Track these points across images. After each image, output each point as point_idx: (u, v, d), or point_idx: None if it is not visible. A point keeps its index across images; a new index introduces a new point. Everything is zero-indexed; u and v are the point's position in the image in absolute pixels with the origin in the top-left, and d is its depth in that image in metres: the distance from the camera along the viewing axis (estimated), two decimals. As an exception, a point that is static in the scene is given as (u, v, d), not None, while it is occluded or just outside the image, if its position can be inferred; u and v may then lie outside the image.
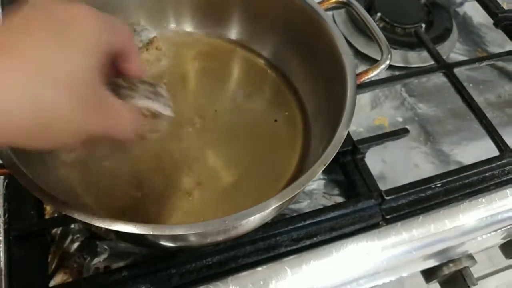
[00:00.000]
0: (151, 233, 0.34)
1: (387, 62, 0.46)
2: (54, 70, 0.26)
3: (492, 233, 0.56)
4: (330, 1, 0.51)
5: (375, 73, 0.46)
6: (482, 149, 0.61)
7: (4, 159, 0.36)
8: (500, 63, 0.73)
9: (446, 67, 0.64)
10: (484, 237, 0.56)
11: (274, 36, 0.56)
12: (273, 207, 0.35)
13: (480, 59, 0.67)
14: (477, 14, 0.81)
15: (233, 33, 0.59)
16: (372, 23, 0.48)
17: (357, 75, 0.45)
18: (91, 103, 0.28)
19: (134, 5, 0.55)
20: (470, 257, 0.57)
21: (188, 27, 0.59)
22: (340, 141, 0.39)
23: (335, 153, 0.38)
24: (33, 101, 0.25)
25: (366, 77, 0.45)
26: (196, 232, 0.36)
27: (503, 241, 0.63)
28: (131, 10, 0.55)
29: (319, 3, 0.50)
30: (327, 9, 0.51)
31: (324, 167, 0.38)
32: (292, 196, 0.36)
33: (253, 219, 0.37)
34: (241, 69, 0.58)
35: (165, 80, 0.46)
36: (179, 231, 0.34)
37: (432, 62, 0.67)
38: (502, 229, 0.57)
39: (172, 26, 0.58)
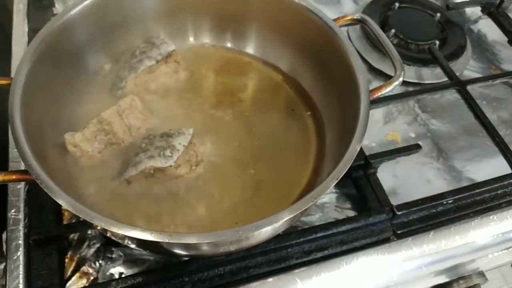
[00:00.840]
0: (167, 241, 0.35)
1: (401, 79, 0.47)
2: None
3: (504, 251, 0.56)
4: (345, 18, 0.52)
5: (388, 90, 0.46)
6: (494, 166, 0.61)
7: (28, 166, 0.37)
8: (513, 81, 0.74)
9: (459, 84, 0.64)
10: (495, 255, 0.56)
11: (290, 50, 0.58)
12: (285, 219, 0.36)
13: (493, 77, 0.67)
14: (491, 32, 0.81)
15: (251, 47, 0.61)
16: (386, 40, 0.49)
17: (371, 91, 0.46)
18: None
19: (154, 18, 0.57)
20: (481, 274, 0.57)
21: (206, 40, 0.61)
22: (352, 157, 0.39)
23: (347, 168, 0.39)
24: None
25: (380, 93, 0.46)
26: (210, 241, 0.37)
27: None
28: (150, 24, 0.57)
29: (335, 20, 0.51)
30: (342, 26, 0.53)
31: (336, 181, 0.38)
32: (303, 209, 0.37)
33: (265, 231, 0.37)
34: (257, 82, 0.59)
35: (191, 130, 0.48)
36: (193, 240, 0.35)
37: (446, 79, 0.67)
38: (515, 246, 0.57)
39: (191, 39, 0.60)
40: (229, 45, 0.61)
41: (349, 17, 0.52)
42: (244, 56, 0.60)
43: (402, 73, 0.47)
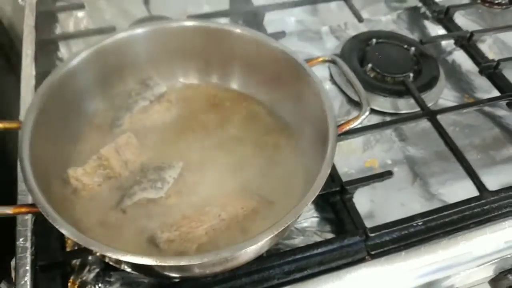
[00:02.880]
0: (155, 263, 0.40)
1: (366, 114, 0.53)
2: None
3: (475, 269, 0.61)
4: (318, 60, 0.58)
5: (355, 124, 0.52)
6: (466, 189, 0.65)
7: (35, 200, 0.43)
8: (486, 108, 0.79)
9: (430, 114, 0.70)
10: (467, 272, 0.60)
11: (271, 86, 0.63)
12: (258, 243, 0.41)
13: (462, 106, 0.73)
14: (465, 62, 0.86)
15: (235, 84, 0.66)
16: (354, 78, 0.55)
17: (339, 125, 0.51)
18: None
19: (147, 62, 0.63)
20: (456, 291, 0.61)
21: (194, 80, 0.67)
22: (317, 190, 0.45)
23: (311, 200, 0.44)
24: None
25: (348, 127, 0.52)
26: (194, 263, 0.42)
27: (491, 276, 0.66)
28: (144, 66, 0.63)
29: (309, 61, 0.57)
30: (317, 65, 0.59)
31: (300, 214, 0.43)
32: (266, 239, 0.42)
33: (244, 252, 0.43)
34: (242, 115, 0.64)
35: (181, 163, 0.55)
36: (181, 262, 0.40)
37: (419, 109, 0.73)
38: (485, 264, 0.61)
39: (181, 79, 0.66)
40: (215, 82, 0.66)
41: (321, 59, 0.58)
42: (229, 92, 0.66)
43: (368, 108, 0.53)
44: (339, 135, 0.51)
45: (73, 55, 0.56)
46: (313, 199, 0.45)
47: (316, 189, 0.45)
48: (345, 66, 0.56)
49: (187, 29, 0.60)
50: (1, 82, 0.96)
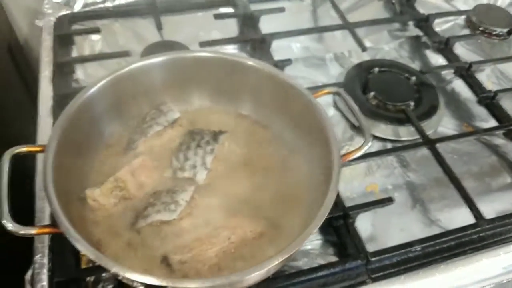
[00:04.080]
0: (165, 284, 0.43)
1: (369, 144, 0.56)
2: None
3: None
4: (324, 92, 0.61)
5: (357, 155, 0.55)
6: (463, 215, 0.68)
7: (59, 223, 0.46)
8: (484, 137, 0.82)
9: (429, 142, 0.73)
10: (464, 297, 0.63)
11: (279, 115, 0.66)
12: (256, 273, 0.44)
13: (460, 136, 0.76)
14: (464, 91, 0.90)
15: (245, 110, 0.69)
16: (357, 110, 0.59)
17: (343, 155, 0.55)
18: None
19: (161, 88, 0.66)
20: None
21: (207, 104, 0.70)
22: (322, 218, 0.47)
23: (317, 228, 0.47)
24: None
25: (351, 158, 0.55)
26: (205, 286, 0.44)
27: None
28: (158, 93, 0.66)
29: (314, 93, 0.61)
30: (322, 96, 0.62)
31: (308, 237, 0.46)
32: (273, 264, 0.45)
33: (253, 276, 0.45)
34: (251, 139, 0.67)
35: (193, 187, 0.58)
36: (191, 285, 0.43)
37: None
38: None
39: (194, 105, 0.69)
40: (227, 108, 0.69)
41: (326, 91, 0.61)
42: (240, 117, 0.69)
43: (370, 139, 0.56)
44: (343, 164, 0.54)
45: (91, 84, 0.59)
46: (318, 227, 0.48)
47: (321, 218, 0.48)
48: (349, 99, 0.60)
49: (201, 59, 0.64)
50: (16, 102, 0.99)
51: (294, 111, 0.63)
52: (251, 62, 0.63)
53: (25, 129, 0.76)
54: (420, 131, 0.74)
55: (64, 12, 0.93)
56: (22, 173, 0.64)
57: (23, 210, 0.61)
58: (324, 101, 0.81)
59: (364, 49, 0.88)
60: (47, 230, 0.47)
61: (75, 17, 0.92)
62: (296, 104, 0.62)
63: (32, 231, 0.47)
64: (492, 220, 0.65)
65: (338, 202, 0.65)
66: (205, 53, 0.65)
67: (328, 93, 0.61)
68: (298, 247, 0.46)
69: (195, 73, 0.65)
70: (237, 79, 0.65)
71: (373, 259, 0.59)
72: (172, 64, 0.63)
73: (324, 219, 0.48)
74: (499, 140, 0.82)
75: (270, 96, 0.65)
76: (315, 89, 0.62)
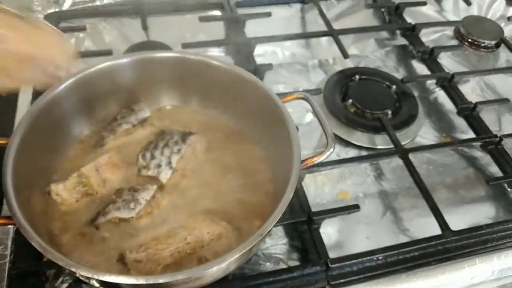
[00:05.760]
0: (122, 281, 0.43)
1: (331, 150, 0.56)
2: None
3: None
4: (292, 96, 0.61)
5: (319, 160, 0.55)
6: (434, 226, 0.68)
7: (12, 213, 0.47)
8: (462, 148, 0.82)
9: (402, 152, 0.73)
10: (426, 308, 0.62)
11: (247, 115, 0.66)
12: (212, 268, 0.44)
13: (435, 146, 0.76)
14: (446, 102, 0.90)
15: (212, 108, 0.69)
16: (322, 116, 0.59)
17: (303, 160, 0.55)
18: None
19: (131, 88, 0.66)
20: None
21: (176, 105, 0.70)
22: (275, 220, 0.47)
23: (272, 226, 0.47)
24: None
25: (311, 163, 0.55)
26: (161, 282, 0.44)
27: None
28: (129, 92, 0.66)
29: (282, 98, 0.61)
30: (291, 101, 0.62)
31: (261, 237, 0.46)
32: (218, 266, 0.45)
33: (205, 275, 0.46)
34: (218, 140, 0.67)
35: (155, 186, 0.59)
36: (133, 281, 0.43)
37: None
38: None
39: (163, 104, 0.70)
40: (195, 108, 0.70)
41: (294, 95, 0.61)
42: (207, 117, 0.69)
43: (333, 145, 0.56)
44: (303, 169, 0.54)
45: (58, 83, 0.59)
46: (272, 226, 0.48)
47: (275, 218, 0.48)
48: (315, 104, 0.60)
49: (168, 59, 0.65)
50: None
51: (262, 113, 0.63)
52: (217, 62, 0.64)
53: (7, 122, 0.77)
54: (394, 140, 0.74)
55: (53, 9, 0.94)
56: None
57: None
58: (303, 107, 0.81)
59: (346, 56, 0.88)
60: (1, 221, 0.48)
61: (63, 15, 0.93)
62: (264, 106, 0.62)
63: (-13, 221, 0.47)
64: (459, 232, 0.64)
65: (304, 207, 0.65)
66: (170, 53, 0.66)
67: (296, 98, 0.61)
68: (247, 248, 0.46)
69: (164, 73, 0.65)
70: (204, 79, 0.66)
71: (333, 265, 0.59)
72: (141, 64, 0.64)
73: (278, 218, 0.48)
74: (477, 153, 0.81)
75: (238, 97, 0.65)
76: (284, 94, 0.62)
